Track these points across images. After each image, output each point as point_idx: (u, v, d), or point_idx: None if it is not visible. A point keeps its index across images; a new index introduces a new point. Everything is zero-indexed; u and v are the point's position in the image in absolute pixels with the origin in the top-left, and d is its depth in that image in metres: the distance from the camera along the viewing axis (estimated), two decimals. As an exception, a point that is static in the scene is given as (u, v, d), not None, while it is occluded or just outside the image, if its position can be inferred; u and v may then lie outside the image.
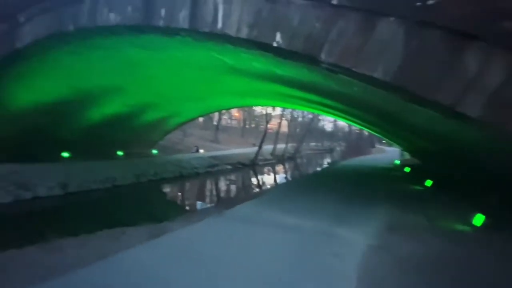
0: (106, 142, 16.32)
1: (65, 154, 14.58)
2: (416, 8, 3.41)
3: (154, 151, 20.18)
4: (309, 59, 4.19)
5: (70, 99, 11.78)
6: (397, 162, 24.20)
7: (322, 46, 3.91)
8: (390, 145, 51.47)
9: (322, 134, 54.87)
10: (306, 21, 4.04)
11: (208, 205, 11.56)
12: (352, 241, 4.78)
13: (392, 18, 3.59)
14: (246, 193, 14.41)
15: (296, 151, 34.68)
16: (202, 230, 4.65)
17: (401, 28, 3.54)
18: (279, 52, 4.53)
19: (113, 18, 5.83)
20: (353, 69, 3.79)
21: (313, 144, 51.56)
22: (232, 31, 4.55)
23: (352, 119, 15.78)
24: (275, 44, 4.23)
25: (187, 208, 11.67)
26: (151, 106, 15.33)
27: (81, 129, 14.39)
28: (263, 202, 7.26)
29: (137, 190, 13.05)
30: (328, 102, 9.99)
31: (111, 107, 14.02)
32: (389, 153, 37.84)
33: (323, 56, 3.93)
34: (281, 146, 32.30)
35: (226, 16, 4.61)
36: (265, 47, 4.55)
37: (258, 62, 6.30)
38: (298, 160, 33.95)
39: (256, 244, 4.27)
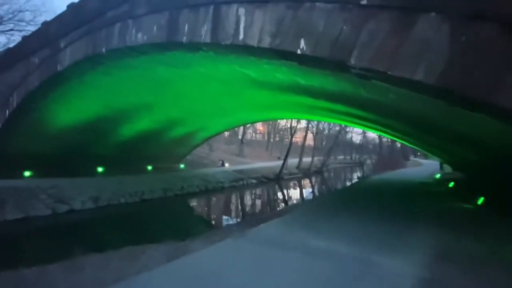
0: (137, 157, 17.02)
1: (100, 169, 15.44)
2: (463, 1, 2.97)
3: (182, 166, 20.64)
4: (337, 65, 3.86)
5: (104, 117, 12.50)
6: (438, 176, 22.08)
7: (351, 50, 3.57)
8: (426, 157, 47.65)
9: (350, 146, 52.70)
10: (332, 25, 3.76)
11: (231, 222, 11.26)
12: (397, 271, 3.96)
13: (433, 14, 3.17)
14: (271, 210, 13.84)
15: (323, 164, 33.47)
16: (220, 253, 4.24)
17: (445, 24, 3.09)
18: (303, 60, 4.26)
19: (140, 37, 6.05)
20: (389, 73, 3.37)
21: (341, 157, 49.61)
22: (254, 42, 4.40)
23: (384, 129, 14.78)
24: (299, 52, 3.98)
25: (210, 224, 11.36)
26: (178, 122, 15.79)
27: (114, 145, 15.17)
28: (289, 221, 6.60)
29: (164, 205, 13.20)
30: (357, 112, 9.40)
31: (141, 124, 14.64)
32: (426, 166, 34.58)
33: (353, 61, 3.58)
34: (306, 159, 31.43)
35: (247, 27, 4.50)
36: (288, 56, 4.32)
37: (282, 73, 6.09)
38: (325, 174, 32.61)
39: (280, 273, 3.72)
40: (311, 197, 17.73)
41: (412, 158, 51.86)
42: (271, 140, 44.23)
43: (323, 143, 41.61)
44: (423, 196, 12.75)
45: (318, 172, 31.55)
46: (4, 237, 8.10)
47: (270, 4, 4.26)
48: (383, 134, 24.58)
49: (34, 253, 6.84)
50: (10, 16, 17.95)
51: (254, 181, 20.75)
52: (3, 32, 18.06)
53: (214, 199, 16.27)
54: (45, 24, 9.08)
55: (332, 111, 11.65)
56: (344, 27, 3.68)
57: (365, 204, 9.92)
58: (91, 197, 11.49)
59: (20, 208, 9.38)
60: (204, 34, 5.00)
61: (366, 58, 3.49)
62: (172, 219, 11.23)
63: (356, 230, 5.97)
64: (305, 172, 28.86)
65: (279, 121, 40.92)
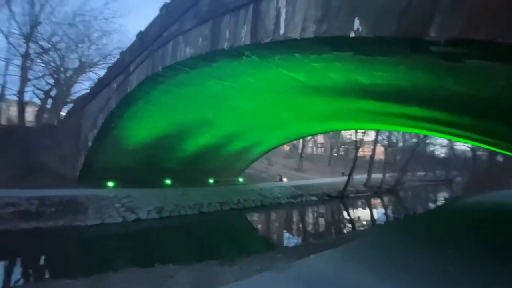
0: (200, 170, 17.93)
1: (168, 182, 16.78)
2: None
3: (240, 179, 20.83)
4: (409, 44, 2.83)
5: (170, 133, 13.54)
6: None
7: (429, 17, 2.53)
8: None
9: (433, 161, 44.53)
10: (399, -7, 2.79)
11: (280, 245, 10.16)
12: None
13: None
14: (328, 234, 12.08)
15: (397, 182, 28.92)
16: None
17: None
18: (360, 46, 3.36)
19: (188, 51, 6.15)
20: (499, 40, 2.19)
21: (420, 173, 42.30)
22: (296, 33, 3.75)
23: (481, 138, 11.51)
24: (352, 35, 3.12)
25: (256, 245, 10.27)
26: (236, 136, 16.02)
27: (180, 159, 16.33)
28: (349, 253, 5.13)
29: (218, 218, 13.20)
30: (441, 115, 7.38)
31: (202, 139, 15.36)
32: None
33: (433, 33, 2.51)
34: (376, 176, 27.74)
35: (289, 19, 3.89)
36: (339, 43, 3.49)
37: (336, 72, 5.18)
38: (401, 193, 27.93)
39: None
40: (381, 222, 14.79)
41: (524, 175, 40.18)
42: (334, 154, 41.30)
43: (397, 158, 36.28)
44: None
45: (392, 190, 27.32)
46: (85, 240, 9.20)
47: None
48: (478, 145, 19.65)
49: (114, 255, 7.45)
50: (102, 60, 22.14)
51: (314, 198, 19.20)
52: (94, 71, 22.41)
53: (268, 215, 15.51)
54: (122, 53, 10.49)
55: (406, 117, 9.67)
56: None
57: (457, 236, 7.40)
58: (156, 208, 12.33)
59: (99, 215, 10.65)
60: (244, 36, 4.62)
61: (456, 24, 2.39)
62: (219, 236, 10.89)
63: (449, 276, 4.24)
64: (375, 190, 25.38)
65: (342, 132, 38.03)
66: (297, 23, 3.75)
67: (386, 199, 24.25)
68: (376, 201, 22.87)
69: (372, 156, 28.02)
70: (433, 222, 10.46)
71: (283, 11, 3.99)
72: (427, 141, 35.36)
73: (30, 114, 21.80)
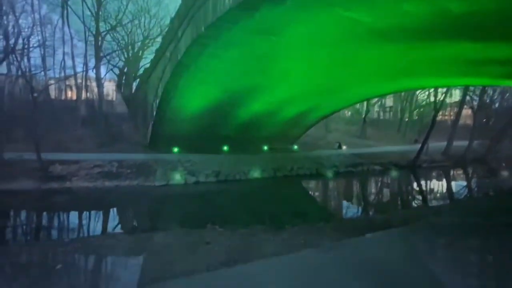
0: (255, 137, 18.08)
1: (225, 148, 17.53)
2: None
3: (295, 147, 20.32)
4: None
5: (223, 101, 13.65)
6: None
7: None
8: None
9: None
10: None
11: (333, 217, 9.16)
12: None
13: None
14: (390, 210, 10.11)
15: (489, 150, 23.65)
16: (285, 269, 2.97)
17: None
18: None
19: (227, 2, 5.52)
20: None
21: (524, 141, 33.76)
22: None
23: None
24: None
25: (304, 216, 9.00)
26: (289, 102, 15.22)
27: (235, 126, 16.64)
28: (412, 235, 4.14)
29: (271, 184, 13.28)
30: None
31: (255, 106, 15.12)
32: None
33: None
34: (460, 144, 23.21)
35: None
36: None
37: (413, 0, 3.85)
38: (493, 165, 22.82)
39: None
40: (459, 198, 12.23)
41: None
42: (406, 119, 36.09)
43: (490, 123, 29.35)
44: None
45: (479, 160, 22.59)
46: (153, 198, 10.50)
47: None
48: None
49: (170, 213, 8.41)
50: (162, 33, 22.89)
51: (377, 167, 17.41)
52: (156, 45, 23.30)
53: (323, 184, 14.82)
54: (171, 20, 10.49)
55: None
56: None
57: None
58: (213, 172, 13.10)
59: (165, 177, 11.91)
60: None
61: None
62: (271, 201, 10.87)
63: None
64: (457, 160, 21.42)
65: (417, 93, 32.57)
66: None
67: (470, 170, 20.35)
68: (456, 173, 19.43)
69: (456, 120, 23.40)
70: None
71: None
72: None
73: (108, 89, 25.12)
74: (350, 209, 10.72)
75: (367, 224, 5.69)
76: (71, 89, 22.61)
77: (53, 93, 21.04)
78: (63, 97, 22.50)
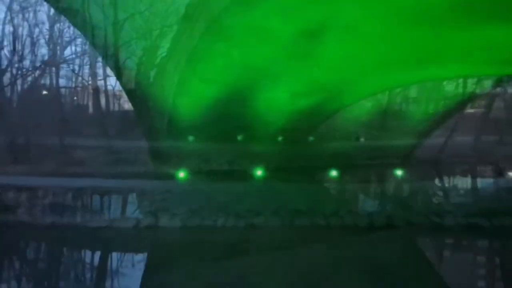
0: (267, 129, 17.79)
1: (239, 138, 17.47)
2: None
3: (311, 138, 19.94)
4: None
5: (236, 88, 13.31)
6: None
7: None
8: None
9: None
10: None
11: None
12: None
13: None
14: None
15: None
16: None
17: None
18: None
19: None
20: None
21: None
22: None
23: None
24: None
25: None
26: (304, 94, 14.72)
27: (248, 117, 16.39)
28: None
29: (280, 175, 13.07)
30: None
31: (271, 95, 14.68)
32: None
33: None
34: (491, 138, 21.57)
35: None
36: None
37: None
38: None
39: None
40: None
41: None
42: (430, 111, 33.89)
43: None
44: None
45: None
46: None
47: None
48: None
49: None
50: None
51: (395, 161, 16.74)
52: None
53: (339, 175, 14.29)
54: (186, 6, 10.29)
55: None
56: None
57: None
58: (227, 161, 13.24)
59: (180, 164, 12.19)
60: None
61: None
62: (278, 191, 10.67)
63: None
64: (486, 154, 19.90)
65: (444, 83, 30.42)
66: None
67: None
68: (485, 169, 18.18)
69: (486, 113, 21.77)
70: None
71: None
72: None
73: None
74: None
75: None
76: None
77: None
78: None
